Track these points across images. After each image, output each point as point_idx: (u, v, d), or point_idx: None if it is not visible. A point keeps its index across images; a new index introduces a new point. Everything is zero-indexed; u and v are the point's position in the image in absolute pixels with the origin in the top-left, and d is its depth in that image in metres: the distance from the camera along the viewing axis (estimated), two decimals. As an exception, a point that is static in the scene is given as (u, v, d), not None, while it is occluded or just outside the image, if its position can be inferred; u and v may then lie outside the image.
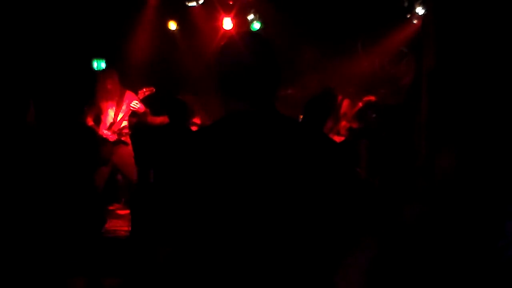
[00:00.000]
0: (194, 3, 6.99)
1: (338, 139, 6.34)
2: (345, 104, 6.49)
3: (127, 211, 5.86)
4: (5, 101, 3.31)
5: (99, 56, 6.81)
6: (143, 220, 4.49)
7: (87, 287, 4.09)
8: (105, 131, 5.82)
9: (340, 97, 6.54)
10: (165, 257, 1.60)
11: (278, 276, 1.53)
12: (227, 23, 7.10)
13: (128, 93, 5.92)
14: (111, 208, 6.25)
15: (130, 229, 4.95)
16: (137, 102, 5.78)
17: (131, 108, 5.79)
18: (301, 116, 4.45)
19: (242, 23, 7.16)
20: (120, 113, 5.87)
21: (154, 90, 6.03)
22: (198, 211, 1.55)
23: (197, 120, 6.69)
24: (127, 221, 5.40)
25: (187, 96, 6.41)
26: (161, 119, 5.65)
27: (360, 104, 6.41)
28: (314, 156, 1.58)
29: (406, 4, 6.65)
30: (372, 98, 6.47)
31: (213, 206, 1.54)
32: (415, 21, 6.71)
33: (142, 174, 4.66)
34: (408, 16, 6.75)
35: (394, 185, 6.08)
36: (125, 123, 5.92)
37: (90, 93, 5.87)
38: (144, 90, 5.94)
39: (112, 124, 5.86)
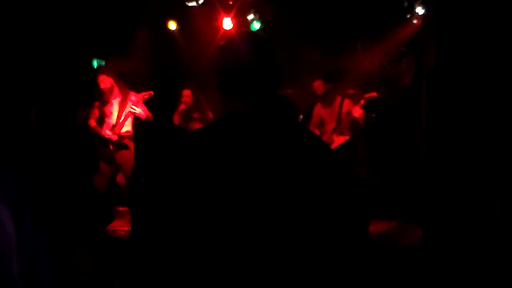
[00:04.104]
0: (194, 3, 7.00)
1: (342, 138, 6.33)
2: (347, 103, 6.49)
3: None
4: (8, 101, 3.31)
5: (99, 56, 6.81)
6: (142, 220, 4.48)
7: (87, 286, 4.09)
8: (108, 132, 5.79)
9: (339, 98, 6.54)
10: (164, 257, 1.60)
11: (275, 277, 1.53)
12: (227, 23, 7.11)
13: (131, 94, 5.89)
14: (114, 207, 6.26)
15: (130, 229, 4.95)
16: (135, 106, 5.74)
17: (131, 111, 5.75)
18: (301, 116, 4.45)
19: (242, 23, 7.16)
20: (122, 115, 5.83)
21: (152, 93, 6.00)
22: (194, 211, 1.55)
23: (210, 114, 6.73)
24: (127, 221, 5.40)
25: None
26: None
27: (362, 102, 6.40)
28: (312, 158, 1.58)
29: (406, 4, 6.65)
30: (374, 94, 6.46)
31: (209, 207, 1.54)
32: (415, 21, 6.72)
33: (137, 174, 4.65)
34: (408, 16, 6.76)
35: (394, 185, 6.08)
36: (128, 126, 5.88)
37: (89, 93, 5.86)
38: (143, 94, 5.91)
39: (114, 125, 5.82)
